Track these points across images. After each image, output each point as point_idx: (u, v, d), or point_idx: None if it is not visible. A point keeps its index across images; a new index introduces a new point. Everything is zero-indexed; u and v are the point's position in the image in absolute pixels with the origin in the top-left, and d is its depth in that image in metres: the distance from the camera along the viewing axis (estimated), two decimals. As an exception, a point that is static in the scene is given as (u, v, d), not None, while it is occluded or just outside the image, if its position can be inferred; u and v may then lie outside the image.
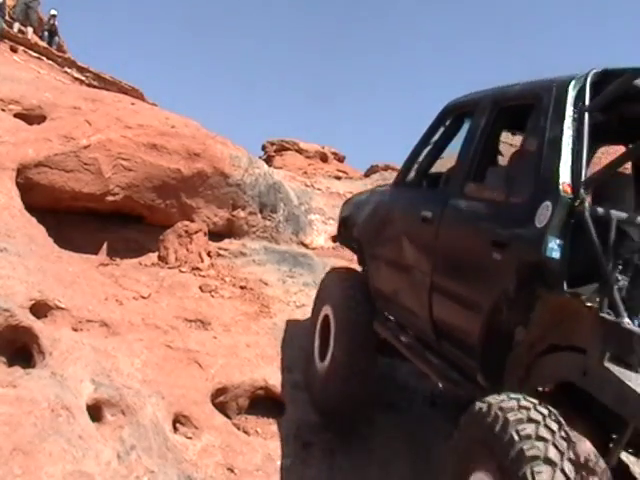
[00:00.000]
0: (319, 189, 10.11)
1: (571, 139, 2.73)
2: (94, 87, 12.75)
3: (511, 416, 2.37)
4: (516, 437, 2.29)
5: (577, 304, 2.45)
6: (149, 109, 7.68)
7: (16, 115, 6.30)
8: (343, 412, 4.49)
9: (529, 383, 2.75)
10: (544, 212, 2.64)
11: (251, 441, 4.25)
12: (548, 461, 2.23)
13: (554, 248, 2.54)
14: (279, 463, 4.16)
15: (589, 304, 2.41)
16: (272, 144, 17.27)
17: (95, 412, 3.66)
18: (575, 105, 2.78)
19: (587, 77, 2.80)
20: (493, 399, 2.53)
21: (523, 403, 2.43)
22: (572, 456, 2.31)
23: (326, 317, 4.68)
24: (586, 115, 2.74)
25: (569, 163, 2.67)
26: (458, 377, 3.35)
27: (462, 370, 3.31)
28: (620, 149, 3.42)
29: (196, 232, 6.41)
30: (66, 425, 3.35)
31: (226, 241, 7.00)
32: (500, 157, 3.71)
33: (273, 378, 4.70)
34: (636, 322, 2.37)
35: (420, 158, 4.15)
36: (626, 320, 2.30)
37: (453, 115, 3.97)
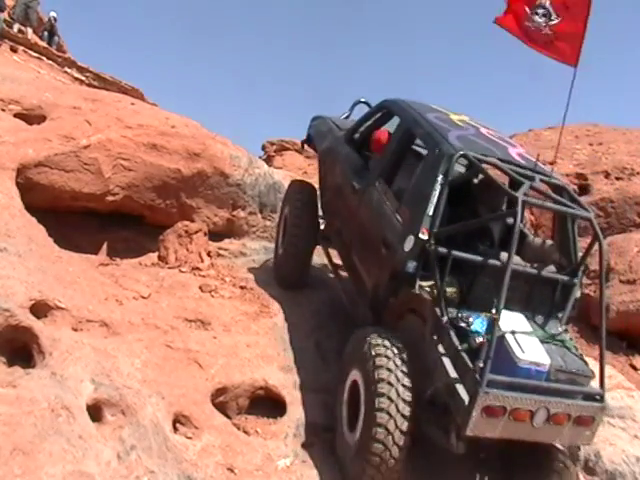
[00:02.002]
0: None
1: (435, 199, 4.11)
2: (94, 87, 12.76)
3: (373, 341, 4.01)
4: (373, 353, 3.93)
5: (423, 297, 4.05)
6: (149, 109, 7.68)
7: (16, 115, 6.30)
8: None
9: (396, 326, 4.25)
10: (409, 242, 4.13)
11: (251, 441, 4.24)
12: (388, 369, 3.83)
13: (410, 267, 4.09)
14: (279, 463, 4.16)
15: (429, 298, 4.00)
16: (272, 144, 17.31)
17: (95, 412, 3.65)
18: (444, 175, 4.14)
19: (454, 156, 4.19)
20: (367, 330, 4.21)
21: (382, 335, 4.06)
22: (403, 369, 3.87)
23: (285, 218, 6.04)
24: (446, 184, 4.13)
25: (430, 214, 4.08)
26: (356, 307, 4.95)
27: (361, 299, 4.83)
28: None
29: (196, 232, 6.41)
30: (66, 425, 3.34)
31: (226, 241, 7.00)
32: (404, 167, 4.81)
33: (273, 378, 4.70)
34: (475, 317, 3.87)
35: (362, 128, 5.52)
36: (444, 315, 3.87)
37: (388, 110, 5.30)
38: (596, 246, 4.26)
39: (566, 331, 4.20)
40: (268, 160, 15.22)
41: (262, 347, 4.97)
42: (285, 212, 6.12)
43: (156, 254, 6.35)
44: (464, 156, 4.25)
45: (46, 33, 16.44)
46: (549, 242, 4.42)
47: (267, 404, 4.62)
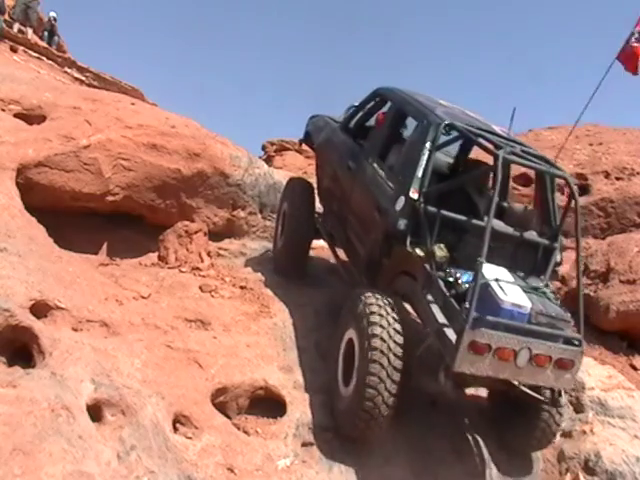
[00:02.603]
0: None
1: (424, 162, 4.49)
2: (94, 87, 12.76)
3: (367, 300, 4.30)
4: (367, 311, 4.21)
5: (414, 255, 4.33)
6: (149, 109, 7.68)
7: (16, 115, 6.30)
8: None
9: (391, 289, 4.55)
10: (400, 202, 4.48)
11: (251, 441, 4.24)
12: (381, 326, 4.11)
13: (402, 224, 4.40)
14: (279, 463, 4.16)
15: (420, 255, 4.28)
16: (272, 144, 17.32)
17: (95, 412, 3.65)
18: (432, 142, 4.53)
19: (440, 125, 4.55)
20: (362, 290, 4.50)
21: (377, 294, 4.35)
22: (395, 327, 4.14)
23: (284, 212, 6.36)
24: (434, 150, 4.54)
25: (419, 177, 4.46)
26: (352, 275, 5.35)
27: (356, 268, 5.26)
28: None
29: (196, 232, 6.41)
30: (66, 425, 3.34)
31: (226, 241, 7.01)
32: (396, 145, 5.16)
33: (273, 378, 4.70)
34: (462, 273, 4.15)
35: (357, 116, 5.92)
36: (433, 270, 4.17)
37: (380, 97, 5.66)
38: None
39: (547, 286, 4.49)
40: (268, 160, 15.22)
41: (262, 347, 4.97)
42: (283, 207, 6.44)
43: (156, 254, 6.35)
44: (450, 125, 4.59)
45: (46, 33, 16.45)
46: (530, 208, 4.92)
47: (267, 404, 4.61)
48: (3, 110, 6.24)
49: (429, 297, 4.14)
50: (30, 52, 13.46)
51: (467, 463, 4.73)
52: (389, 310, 4.22)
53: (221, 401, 4.44)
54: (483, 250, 3.88)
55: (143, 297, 5.10)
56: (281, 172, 9.55)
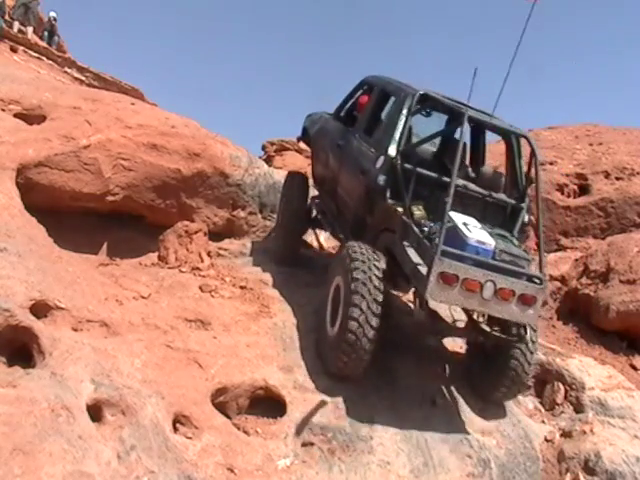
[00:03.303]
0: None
1: (401, 126, 5.05)
2: (94, 87, 12.75)
3: (351, 249, 4.75)
4: (352, 258, 4.65)
5: (392, 208, 4.84)
6: (149, 109, 7.68)
7: (16, 115, 6.30)
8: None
9: (375, 245, 4.92)
10: (380, 161, 4.99)
11: (251, 441, 4.24)
12: (363, 271, 4.54)
13: (381, 180, 4.89)
14: (279, 463, 4.16)
15: (398, 209, 4.78)
16: (272, 144, 17.30)
17: (95, 412, 3.65)
18: (408, 109, 5.09)
19: (416, 94, 5.12)
20: (350, 243, 4.92)
21: (362, 246, 4.78)
22: (376, 273, 4.58)
23: (281, 203, 6.92)
24: (410, 116, 5.09)
25: (397, 138, 5.01)
26: (340, 234, 5.80)
27: (344, 232, 5.68)
28: None
29: (196, 232, 6.41)
30: (66, 425, 3.34)
31: (226, 241, 7.01)
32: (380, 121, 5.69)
33: (273, 378, 4.70)
34: (428, 223, 4.62)
35: (347, 105, 6.53)
36: (410, 221, 4.64)
37: (368, 85, 6.24)
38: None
39: (512, 236, 4.91)
40: (268, 160, 15.20)
41: (262, 347, 4.97)
42: (283, 199, 6.96)
43: (156, 254, 6.35)
44: (424, 94, 5.17)
45: (46, 33, 16.43)
46: (499, 172, 5.38)
47: (267, 404, 4.61)
48: (3, 110, 6.25)
49: (405, 243, 4.66)
50: (30, 52, 13.44)
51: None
52: (371, 258, 4.66)
53: (221, 401, 4.44)
54: (450, 192, 4.35)
55: (143, 297, 5.10)
56: (281, 172, 9.54)
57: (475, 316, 5.01)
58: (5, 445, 3.05)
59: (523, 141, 5.33)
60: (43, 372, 3.66)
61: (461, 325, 5.32)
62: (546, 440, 5.25)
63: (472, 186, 5.07)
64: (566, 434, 5.29)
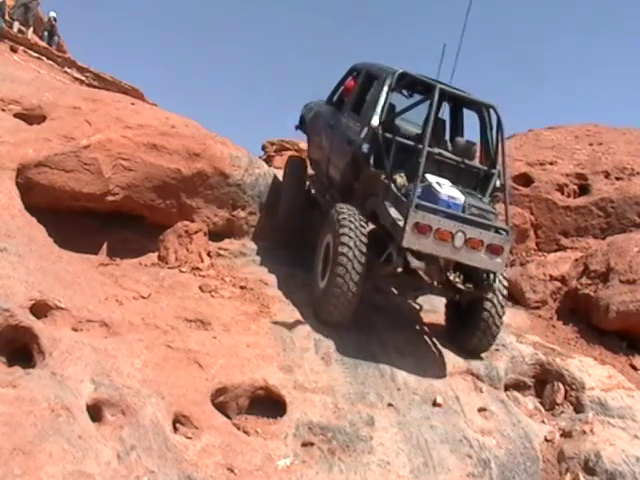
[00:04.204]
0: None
1: (382, 100, 5.68)
2: (94, 87, 12.75)
3: (339, 209, 5.36)
4: (340, 217, 5.23)
5: (376, 174, 5.47)
6: (149, 109, 7.68)
7: (16, 115, 6.30)
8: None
9: (362, 209, 5.47)
10: (364, 131, 5.62)
11: (251, 441, 4.24)
12: (351, 230, 5.11)
13: (365, 148, 5.52)
14: (279, 463, 4.16)
15: (382, 176, 5.39)
16: (272, 144, 17.26)
17: (95, 412, 3.65)
18: (389, 86, 5.72)
19: (395, 73, 5.75)
20: (339, 205, 5.49)
21: (350, 208, 5.37)
22: (362, 231, 5.14)
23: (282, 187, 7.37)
24: (390, 92, 5.73)
25: (379, 111, 5.63)
26: (330, 200, 6.29)
27: (333, 197, 6.29)
28: None
29: (196, 232, 6.41)
30: (66, 425, 3.35)
31: (226, 241, 6.99)
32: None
33: (273, 378, 4.70)
34: (407, 186, 5.19)
35: (339, 90, 7.11)
36: (390, 183, 5.25)
37: (357, 71, 6.82)
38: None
39: (483, 196, 5.54)
40: (268, 160, 15.18)
41: (262, 347, 4.97)
42: (284, 183, 7.45)
43: (156, 254, 6.35)
44: (403, 73, 5.76)
45: (46, 33, 16.44)
46: (472, 141, 5.90)
47: (267, 404, 4.61)
48: (3, 110, 6.24)
49: (386, 202, 5.21)
50: (30, 52, 13.44)
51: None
52: (356, 217, 5.23)
53: (221, 401, 4.44)
54: (422, 153, 4.97)
55: (143, 297, 5.10)
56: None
57: (451, 277, 5.37)
58: (5, 445, 3.05)
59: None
60: (43, 372, 3.66)
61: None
62: (546, 440, 5.26)
63: (447, 154, 5.65)
64: (566, 434, 5.29)
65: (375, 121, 5.56)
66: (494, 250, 4.94)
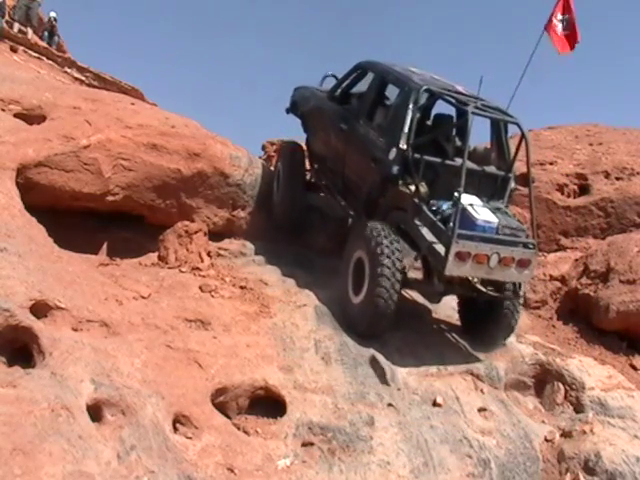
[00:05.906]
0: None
1: (409, 120, 5.61)
2: (94, 87, 12.75)
3: (373, 227, 5.46)
4: (375, 234, 5.35)
5: (405, 191, 5.50)
6: (149, 109, 7.68)
7: (16, 115, 6.30)
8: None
9: (385, 221, 5.64)
10: (393, 152, 5.60)
11: (251, 441, 4.24)
12: (387, 246, 5.26)
13: (395, 170, 5.55)
14: (279, 463, 4.16)
15: (408, 191, 5.46)
16: (272, 144, 17.25)
17: (95, 412, 3.65)
18: (414, 103, 5.68)
19: (420, 89, 5.72)
20: (372, 223, 5.56)
21: (381, 225, 5.47)
22: (397, 247, 5.29)
23: (277, 172, 7.38)
24: (416, 110, 5.68)
25: (406, 131, 5.58)
26: (350, 212, 6.55)
27: (354, 209, 6.41)
28: None
29: (196, 232, 6.41)
30: (66, 425, 3.35)
31: (226, 241, 7.00)
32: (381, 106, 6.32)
33: (273, 378, 4.70)
34: (442, 203, 5.35)
35: (342, 86, 6.94)
36: (420, 202, 5.37)
37: (362, 69, 6.73)
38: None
39: (507, 207, 5.83)
40: (268, 160, 15.18)
41: (262, 347, 4.97)
42: (278, 167, 7.40)
43: (156, 254, 6.35)
44: (427, 89, 5.78)
45: (46, 33, 16.43)
46: (488, 148, 6.06)
47: (267, 404, 4.61)
48: (3, 110, 6.24)
49: (418, 222, 5.37)
50: (30, 52, 13.44)
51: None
52: (391, 235, 5.37)
53: (221, 401, 4.44)
54: (461, 182, 5.08)
55: (143, 297, 5.10)
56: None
57: (478, 286, 5.58)
58: (5, 445, 3.05)
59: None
60: (43, 372, 3.66)
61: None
62: (546, 440, 5.25)
63: (471, 165, 5.69)
64: (566, 434, 5.29)
65: (403, 144, 5.56)
66: (523, 264, 5.26)
